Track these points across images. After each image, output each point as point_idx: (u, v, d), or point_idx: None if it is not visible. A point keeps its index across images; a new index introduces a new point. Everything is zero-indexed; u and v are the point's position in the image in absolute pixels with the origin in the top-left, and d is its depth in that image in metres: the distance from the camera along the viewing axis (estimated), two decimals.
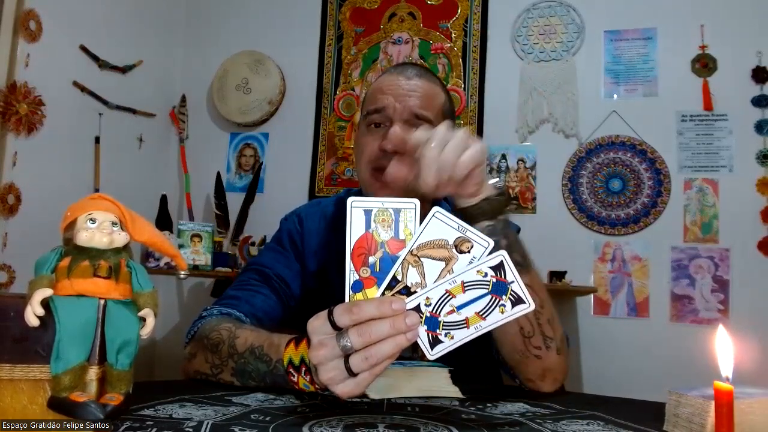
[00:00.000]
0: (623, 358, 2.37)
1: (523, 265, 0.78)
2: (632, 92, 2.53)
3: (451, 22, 2.77)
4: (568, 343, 0.90)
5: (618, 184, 2.50)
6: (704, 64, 2.45)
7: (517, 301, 0.56)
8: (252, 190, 2.77)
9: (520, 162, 2.62)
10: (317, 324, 0.57)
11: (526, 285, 0.57)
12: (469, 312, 0.56)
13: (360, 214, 0.56)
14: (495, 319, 0.56)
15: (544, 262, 2.37)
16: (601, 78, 2.58)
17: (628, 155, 2.49)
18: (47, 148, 2.28)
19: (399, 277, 0.56)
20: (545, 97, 2.62)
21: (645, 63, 2.53)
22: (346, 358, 0.55)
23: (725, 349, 0.51)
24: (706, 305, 2.34)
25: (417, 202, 0.57)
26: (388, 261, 0.56)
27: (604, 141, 2.52)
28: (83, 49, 2.48)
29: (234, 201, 2.78)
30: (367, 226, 0.56)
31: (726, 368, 0.50)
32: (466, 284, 0.56)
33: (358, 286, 0.56)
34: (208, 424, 0.56)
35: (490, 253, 0.56)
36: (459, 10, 2.77)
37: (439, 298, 0.56)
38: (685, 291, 2.37)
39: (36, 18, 2.22)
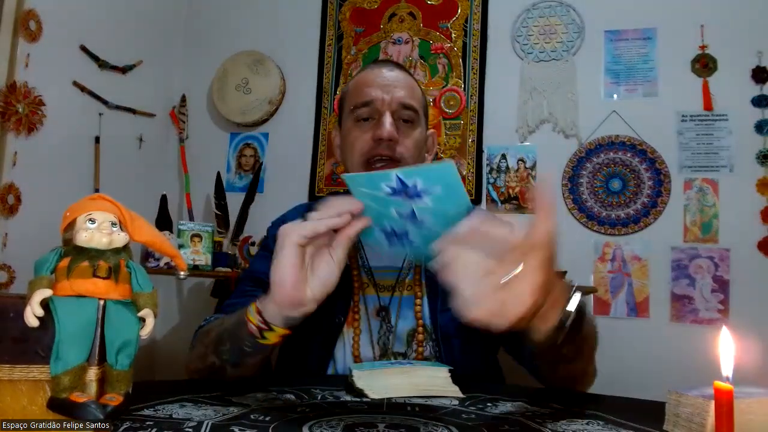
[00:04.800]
0: (623, 358, 2.37)
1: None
2: (632, 92, 2.53)
3: (451, 22, 2.77)
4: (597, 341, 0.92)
5: (618, 184, 2.50)
6: (704, 64, 2.45)
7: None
8: (252, 190, 2.77)
9: (520, 162, 2.62)
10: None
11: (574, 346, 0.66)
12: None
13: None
14: None
15: None
16: (601, 78, 2.58)
17: (628, 155, 2.49)
18: (47, 148, 2.28)
19: None
20: (545, 97, 2.62)
21: (645, 63, 2.53)
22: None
23: (726, 349, 0.51)
24: (706, 305, 2.33)
25: None
26: None
27: (604, 141, 2.52)
28: (83, 49, 2.48)
29: (234, 201, 2.77)
30: None
31: (726, 368, 0.50)
32: None
33: None
34: (208, 424, 0.57)
35: None
36: (459, 10, 2.77)
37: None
38: (685, 291, 2.37)
39: (36, 18, 2.22)
